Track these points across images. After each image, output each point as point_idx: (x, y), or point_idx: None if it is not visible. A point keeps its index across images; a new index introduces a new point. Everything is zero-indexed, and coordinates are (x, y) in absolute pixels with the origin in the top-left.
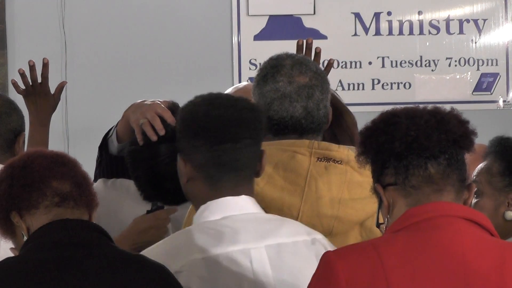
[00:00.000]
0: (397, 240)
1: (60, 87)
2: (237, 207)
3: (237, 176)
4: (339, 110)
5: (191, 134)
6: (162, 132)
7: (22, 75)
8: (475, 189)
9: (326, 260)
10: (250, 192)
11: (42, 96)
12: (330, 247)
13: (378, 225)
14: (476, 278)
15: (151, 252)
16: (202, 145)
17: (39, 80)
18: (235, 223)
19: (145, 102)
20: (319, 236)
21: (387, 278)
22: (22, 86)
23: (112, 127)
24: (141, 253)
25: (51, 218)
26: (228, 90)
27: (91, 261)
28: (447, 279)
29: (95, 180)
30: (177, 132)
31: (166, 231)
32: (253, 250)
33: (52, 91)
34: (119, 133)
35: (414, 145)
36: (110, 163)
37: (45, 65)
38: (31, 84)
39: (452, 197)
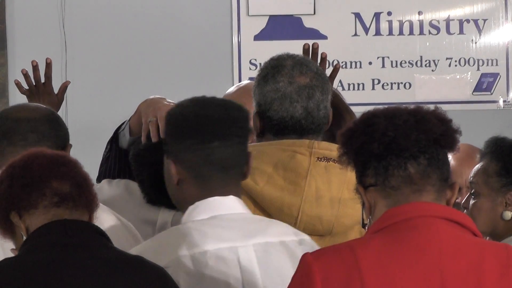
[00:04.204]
0: (374, 241)
1: (64, 87)
2: (225, 207)
3: (226, 175)
4: (339, 110)
5: (180, 134)
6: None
7: (25, 75)
8: (468, 188)
9: (304, 261)
10: (237, 193)
11: (46, 96)
12: (317, 248)
13: (364, 225)
14: (453, 279)
15: (138, 250)
16: (192, 144)
17: (42, 80)
18: (223, 222)
19: (163, 101)
20: (306, 237)
21: (362, 279)
22: (25, 86)
23: (125, 121)
24: (129, 251)
25: (50, 218)
26: (230, 89)
27: (88, 262)
28: (422, 280)
29: (100, 176)
30: (166, 136)
31: None
32: (241, 248)
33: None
34: (131, 126)
35: (392, 145)
36: (119, 157)
37: (48, 65)
38: (34, 84)
39: (433, 197)
